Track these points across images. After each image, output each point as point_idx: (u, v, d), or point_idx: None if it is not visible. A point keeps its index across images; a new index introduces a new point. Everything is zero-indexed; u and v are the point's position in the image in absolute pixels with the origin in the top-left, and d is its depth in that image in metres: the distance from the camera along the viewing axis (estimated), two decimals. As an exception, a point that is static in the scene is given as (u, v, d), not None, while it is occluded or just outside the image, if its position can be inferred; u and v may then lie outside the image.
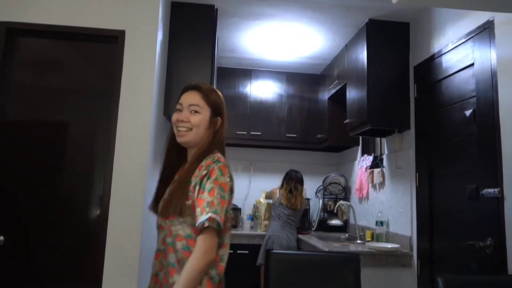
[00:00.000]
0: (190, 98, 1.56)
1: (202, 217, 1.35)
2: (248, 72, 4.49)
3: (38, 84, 2.46)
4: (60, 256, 2.33)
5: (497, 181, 2.12)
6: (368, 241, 3.43)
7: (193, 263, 1.32)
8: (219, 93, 1.65)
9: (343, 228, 4.25)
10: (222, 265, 1.46)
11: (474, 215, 2.32)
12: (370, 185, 3.76)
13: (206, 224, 1.33)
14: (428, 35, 2.95)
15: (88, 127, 2.46)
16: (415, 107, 3.06)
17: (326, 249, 3.02)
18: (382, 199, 3.50)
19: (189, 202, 1.43)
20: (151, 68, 2.47)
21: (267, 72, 4.53)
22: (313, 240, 3.56)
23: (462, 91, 2.51)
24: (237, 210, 4.29)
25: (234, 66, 4.46)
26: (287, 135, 4.42)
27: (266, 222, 4.10)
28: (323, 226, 4.29)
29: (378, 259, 2.94)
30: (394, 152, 3.34)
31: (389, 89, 3.14)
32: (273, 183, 4.34)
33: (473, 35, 2.42)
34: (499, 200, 2.10)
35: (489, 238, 2.16)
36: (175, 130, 1.56)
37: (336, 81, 3.88)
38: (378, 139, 3.76)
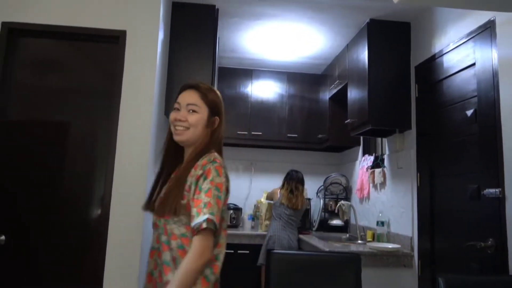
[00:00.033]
0: (188, 97, 1.56)
1: (199, 218, 1.35)
2: (249, 72, 4.49)
3: (39, 84, 2.47)
4: (61, 256, 2.33)
5: (499, 181, 2.12)
6: (369, 241, 3.43)
7: (188, 263, 1.32)
8: (218, 92, 1.65)
9: (344, 228, 4.25)
10: (217, 264, 1.46)
11: (475, 215, 2.32)
12: (371, 185, 3.75)
13: (204, 226, 1.33)
14: (429, 35, 2.95)
15: (89, 127, 2.47)
16: (416, 107, 3.05)
17: (327, 249, 3.02)
18: (383, 199, 3.50)
19: (184, 202, 1.43)
20: (152, 68, 2.47)
21: (268, 72, 4.53)
22: (314, 240, 3.55)
23: (463, 91, 2.51)
24: (238, 210, 4.29)
25: (235, 66, 4.46)
26: (288, 135, 4.42)
27: (267, 222, 4.10)
28: (324, 226, 4.29)
29: (379, 259, 2.94)
30: (395, 152, 3.33)
31: (390, 89, 3.14)
32: (274, 183, 4.34)
33: (474, 35, 2.42)
34: (501, 200, 2.10)
35: (490, 239, 2.15)
36: (172, 128, 1.56)
37: (337, 81, 3.88)
38: (379, 139, 3.75)
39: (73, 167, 2.43)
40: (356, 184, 4.11)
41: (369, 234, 3.52)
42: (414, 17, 3.13)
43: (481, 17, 2.36)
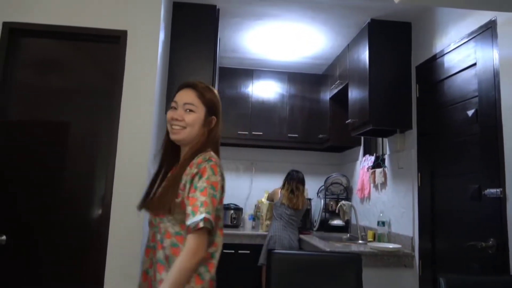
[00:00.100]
0: (186, 97, 1.56)
1: (196, 217, 1.35)
2: (249, 72, 4.49)
3: (40, 84, 2.47)
4: (62, 255, 2.33)
5: (500, 181, 2.12)
6: (369, 241, 3.42)
7: (182, 261, 1.33)
8: (215, 91, 1.65)
9: (345, 228, 4.25)
10: (213, 262, 1.46)
11: (476, 216, 2.32)
12: (371, 185, 3.75)
13: (201, 225, 1.34)
14: (430, 35, 2.95)
15: (90, 127, 2.47)
16: (417, 107, 3.05)
17: (328, 249, 3.02)
18: (384, 199, 3.49)
19: (178, 200, 1.43)
20: (153, 68, 2.47)
21: (269, 72, 4.52)
22: (314, 240, 3.55)
23: (464, 91, 2.51)
24: (238, 210, 4.29)
25: (236, 66, 4.46)
26: (289, 135, 4.42)
27: (268, 222, 4.10)
28: (324, 226, 4.29)
29: (380, 259, 2.94)
30: (396, 152, 3.33)
31: (391, 89, 3.14)
32: (274, 183, 4.34)
33: (475, 35, 2.42)
34: (502, 201, 2.10)
35: (491, 239, 2.15)
36: (169, 127, 1.57)
37: (338, 81, 3.88)
38: (380, 139, 3.75)
39: (74, 167, 2.43)
40: (356, 184, 4.11)
41: (369, 234, 3.52)
42: (415, 17, 3.13)
43: (482, 17, 2.36)
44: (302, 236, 3.83)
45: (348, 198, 4.34)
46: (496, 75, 2.21)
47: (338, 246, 3.20)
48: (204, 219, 1.34)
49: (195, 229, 1.34)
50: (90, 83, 2.50)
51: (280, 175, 4.17)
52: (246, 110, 4.42)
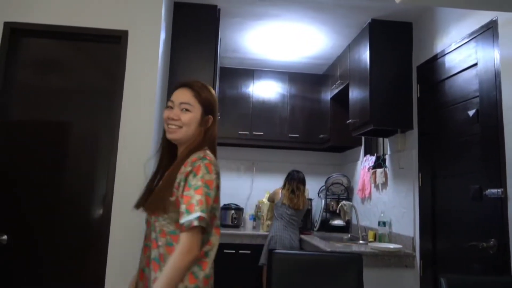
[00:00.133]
0: (182, 96, 1.56)
1: (190, 216, 1.35)
2: (250, 72, 4.49)
3: (41, 84, 2.47)
4: (63, 255, 2.33)
5: (501, 181, 2.12)
6: (370, 241, 3.42)
7: (176, 260, 1.33)
8: (212, 91, 1.65)
9: (346, 228, 4.25)
10: (207, 261, 1.46)
11: (477, 216, 2.32)
12: (372, 185, 3.75)
13: (196, 224, 1.34)
14: (431, 35, 2.95)
15: (91, 127, 2.47)
16: (418, 107, 3.05)
17: (329, 249, 3.02)
18: (385, 200, 3.49)
19: (173, 199, 1.44)
20: (154, 68, 2.47)
21: (270, 72, 4.52)
22: (315, 240, 3.55)
23: (465, 91, 2.51)
24: (239, 210, 4.29)
25: (237, 66, 4.46)
26: (290, 135, 4.42)
27: (269, 222, 4.10)
28: (325, 226, 4.28)
29: (381, 259, 2.94)
30: (397, 152, 3.33)
31: (392, 89, 3.13)
32: (275, 183, 4.34)
33: (476, 35, 2.42)
34: (503, 201, 2.10)
35: (492, 239, 2.15)
36: (165, 126, 1.58)
37: (339, 81, 3.88)
38: (380, 139, 3.75)
39: (75, 167, 2.43)
40: (357, 184, 4.11)
41: (370, 234, 3.52)
42: (416, 17, 3.13)
43: (483, 17, 2.35)
44: (303, 236, 3.83)
45: (349, 198, 4.34)
46: (497, 75, 2.21)
47: (338, 246, 3.20)
48: (199, 218, 1.35)
49: (189, 227, 1.35)
50: (91, 83, 2.50)
51: (281, 175, 4.17)
52: (247, 110, 4.42)
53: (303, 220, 4.09)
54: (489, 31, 2.30)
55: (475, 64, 2.41)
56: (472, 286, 1.82)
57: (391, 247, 3.00)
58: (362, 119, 3.27)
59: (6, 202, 2.31)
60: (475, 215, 2.34)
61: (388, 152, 3.53)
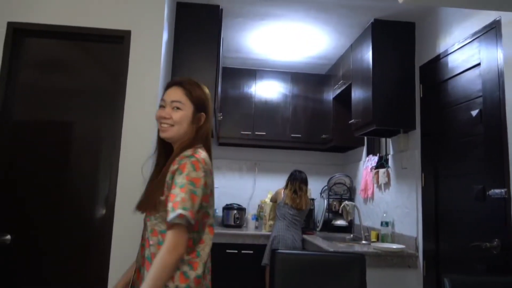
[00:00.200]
0: (173, 94, 1.57)
1: (172, 213, 1.36)
2: (253, 72, 4.49)
3: (44, 84, 2.47)
4: (66, 255, 2.34)
5: (504, 181, 2.11)
6: (373, 241, 3.42)
7: (161, 258, 1.34)
8: (204, 88, 1.65)
9: (348, 228, 4.24)
10: (197, 261, 1.46)
11: (481, 216, 2.31)
12: (375, 185, 3.75)
13: (176, 221, 1.35)
14: (434, 35, 2.94)
15: (93, 127, 2.47)
16: (421, 107, 3.04)
17: (331, 250, 3.01)
18: (387, 200, 3.49)
19: (163, 198, 1.45)
20: (157, 68, 2.48)
21: (272, 72, 4.52)
22: (318, 240, 3.55)
23: (468, 91, 2.50)
24: (241, 210, 4.30)
25: (239, 66, 4.46)
26: (292, 135, 4.42)
27: (271, 222, 4.10)
28: (328, 226, 4.28)
29: (383, 259, 2.93)
30: (400, 153, 3.33)
31: (395, 89, 3.13)
32: (277, 183, 4.34)
33: (479, 34, 2.41)
34: (506, 201, 2.09)
35: (496, 239, 2.14)
36: (158, 126, 1.58)
37: (341, 81, 3.88)
38: (383, 139, 3.74)
39: (77, 167, 2.43)
40: (360, 184, 4.11)
41: (373, 235, 3.52)
42: (419, 17, 3.12)
43: (486, 17, 2.35)
44: (305, 236, 3.83)
45: (351, 198, 4.33)
46: (500, 75, 2.20)
47: (341, 247, 3.20)
48: (179, 216, 1.35)
49: (172, 225, 1.36)
50: (93, 83, 2.50)
51: (283, 175, 4.17)
52: (249, 110, 4.42)
53: (306, 220, 4.09)
54: (492, 31, 2.29)
55: (478, 64, 2.41)
56: (476, 286, 1.82)
57: (394, 247, 3.00)
58: (364, 119, 3.26)
59: (9, 202, 2.31)
60: (478, 215, 2.33)
61: (391, 152, 3.52)
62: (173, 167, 1.46)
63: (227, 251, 3.82)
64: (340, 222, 4.27)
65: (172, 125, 1.54)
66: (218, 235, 3.84)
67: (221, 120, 4.18)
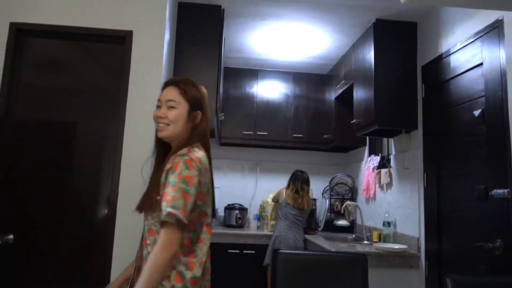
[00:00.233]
0: (168, 94, 1.59)
1: (164, 212, 1.37)
2: (254, 72, 4.49)
3: (46, 84, 2.48)
4: (68, 255, 2.34)
5: (507, 181, 2.10)
6: (375, 241, 3.41)
7: (153, 257, 1.34)
8: (201, 87, 1.66)
9: (350, 228, 4.24)
10: (194, 261, 1.46)
11: (483, 216, 2.30)
12: (377, 185, 3.74)
13: (166, 220, 1.36)
14: (436, 35, 2.93)
15: (95, 127, 2.48)
16: (423, 107, 3.04)
17: (333, 250, 3.01)
18: (390, 200, 3.48)
19: (159, 197, 1.45)
20: (158, 68, 2.48)
21: (274, 72, 4.52)
22: (319, 240, 3.55)
23: (471, 91, 2.49)
24: (243, 210, 4.30)
25: (241, 66, 4.46)
26: (294, 135, 4.42)
27: (273, 222, 4.10)
28: (329, 226, 4.28)
29: (385, 260, 2.93)
30: (402, 153, 3.32)
31: (397, 89, 3.12)
32: (279, 183, 4.34)
33: (481, 34, 2.41)
34: (509, 201, 2.09)
35: (498, 240, 2.14)
36: (156, 126, 1.60)
37: (343, 81, 3.87)
38: (385, 139, 3.74)
39: (80, 166, 2.44)
40: (362, 184, 4.10)
41: (375, 235, 3.51)
42: (421, 16, 3.12)
43: (488, 17, 2.34)
44: (307, 236, 3.83)
45: (353, 198, 4.33)
46: (503, 74, 2.19)
47: (343, 247, 3.20)
48: (168, 214, 1.36)
49: (164, 224, 1.37)
50: (96, 83, 2.51)
51: (284, 175, 4.17)
52: (250, 110, 4.42)
53: (308, 220, 4.08)
54: (494, 30, 2.29)
55: (481, 64, 2.40)
56: (478, 287, 1.81)
57: (396, 247, 2.99)
58: (366, 119, 3.26)
59: (12, 202, 2.32)
60: (480, 215, 2.33)
61: (393, 152, 3.52)
62: (167, 166, 1.47)
63: (229, 251, 3.82)
64: (342, 222, 4.26)
65: (168, 124, 1.55)
66: (219, 235, 3.85)
67: (223, 120, 4.19)
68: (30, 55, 2.47)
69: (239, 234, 3.95)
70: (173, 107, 1.56)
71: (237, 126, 4.35)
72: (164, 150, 1.62)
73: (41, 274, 2.31)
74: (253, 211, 4.48)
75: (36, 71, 2.48)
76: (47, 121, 2.46)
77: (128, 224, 2.31)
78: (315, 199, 4.40)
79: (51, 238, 2.35)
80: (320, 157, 4.82)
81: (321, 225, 4.36)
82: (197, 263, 1.46)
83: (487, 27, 2.36)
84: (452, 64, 2.70)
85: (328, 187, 4.50)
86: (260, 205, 4.51)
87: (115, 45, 2.50)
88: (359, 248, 3.18)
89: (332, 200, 4.35)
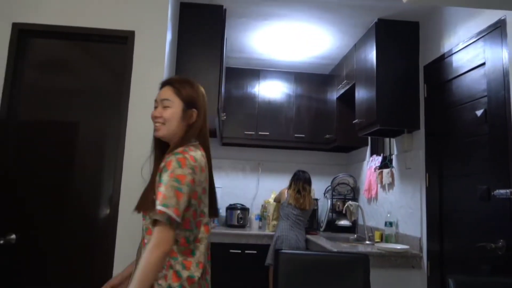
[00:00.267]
0: (163, 93, 1.61)
1: (155, 211, 1.38)
2: (256, 72, 4.49)
3: (48, 85, 2.48)
4: (70, 255, 2.34)
5: (510, 181, 2.10)
6: (377, 242, 3.41)
7: (146, 255, 1.34)
8: (197, 86, 1.66)
9: (352, 228, 4.23)
10: (191, 261, 1.47)
11: (485, 216, 2.30)
12: (379, 185, 3.74)
13: (156, 218, 1.36)
14: (438, 35, 2.93)
15: (98, 127, 2.48)
16: (425, 107, 3.03)
17: (335, 250, 3.01)
18: (391, 200, 3.48)
19: (155, 197, 1.45)
20: (160, 68, 2.48)
21: (276, 72, 4.52)
22: (321, 240, 3.54)
23: (473, 91, 2.49)
24: (245, 210, 4.30)
25: (243, 66, 4.46)
26: (295, 135, 4.42)
27: (275, 222, 4.10)
28: (331, 226, 4.27)
29: (387, 260, 2.92)
30: (404, 153, 3.32)
31: (399, 89, 3.12)
32: (281, 183, 4.34)
33: (484, 34, 2.40)
34: (511, 201, 2.08)
35: (501, 240, 2.13)
36: (154, 126, 1.61)
37: (345, 81, 3.87)
38: (387, 139, 3.73)
39: (82, 166, 2.44)
40: (363, 184, 4.10)
41: (377, 235, 3.51)
42: (423, 16, 3.11)
43: (491, 16, 2.34)
44: (309, 237, 3.83)
45: (355, 198, 4.32)
46: (505, 74, 2.19)
47: (345, 247, 3.19)
48: (159, 212, 1.36)
49: (155, 223, 1.37)
50: (98, 83, 2.51)
51: (286, 175, 4.17)
52: (252, 110, 4.42)
53: (309, 220, 4.08)
54: (497, 30, 2.28)
55: (483, 64, 2.40)
56: (481, 287, 1.81)
57: (398, 247, 2.99)
58: (368, 119, 3.25)
59: (14, 202, 2.32)
60: (483, 215, 2.32)
61: (395, 152, 3.51)
62: (161, 165, 1.48)
63: (231, 251, 3.82)
64: (343, 222, 4.26)
65: (163, 124, 1.57)
66: (221, 235, 3.85)
67: (225, 120, 4.19)
68: (33, 56, 2.48)
69: (241, 234, 3.95)
70: (167, 107, 1.57)
71: (239, 126, 4.35)
72: (162, 149, 1.63)
73: (43, 274, 2.31)
74: (254, 211, 4.49)
75: (38, 72, 2.49)
76: (49, 121, 2.46)
77: (130, 224, 2.31)
78: (317, 199, 4.39)
79: (53, 238, 2.35)
80: (322, 157, 4.82)
81: (323, 225, 4.36)
82: (194, 263, 1.47)
83: (489, 26, 2.36)
84: (454, 64, 2.70)
85: (330, 187, 4.49)
86: (262, 205, 4.51)
87: (117, 45, 2.50)
88: (361, 248, 3.18)
89: (334, 200, 4.35)
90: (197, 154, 1.53)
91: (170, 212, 1.36)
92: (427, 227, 2.92)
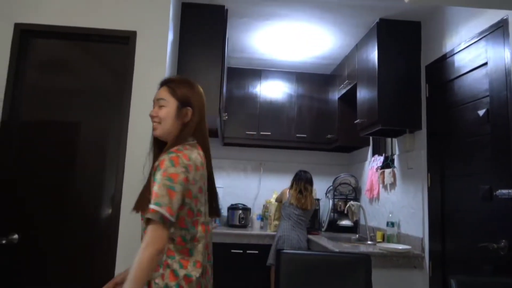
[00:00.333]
0: (159, 93, 1.63)
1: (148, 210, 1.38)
2: (258, 72, 4.49)
3: (50, 85, 2.49)
4: (73, 255, 2.35)
5: None
6: (378, 242, 3.40)
7: (139, 254, 1.35)
8: (195, 85, 1.67)
9: (353, 228, 4.23)
10: (189, 260, 1.47)
11: (488, 216, 2.29)
12: (381, 185, 3.73)
13: (148, 217, 1.36)
14: (440, 34, 2.92)
15: (99, 127, 2.48)
16: (427, 107, 3.03)
17: (337, 250, 3.00)
18: (393, 200, 3.47)
19: (150, 196, 1.46)
20: (162, 69, 2.48)
21: (277, 72, 4.52)
22: (323, 240, 3.54)
23: (475, 91, 2.48)
24: (246, 210, 4.30)
25: (244, 67, 4.46)
26: (297, 135, 4.41)
27: (276, 222, 4.09)
28: (333, 226, 4.27)
29: (389, 260, 2.92)
30: (405, 153, 3.31)
31: (400, 89, 3.12)
32: (282, 183, 4.34)
33: (486, 34, 2.39)
34: (513, 201, 2.08)
35: (503, 240, 2.13)
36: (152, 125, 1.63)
37: (347, 81, 3.87)
38: (389, 139, 3.73)
39: (84, 167, 2.45)
40: (365, 184, 4.09)
41: (379, 235, 3.50)
42: (425, 16, 3.11)
43: (493, 16, 2.33)
44: (310, 237, 3.83)
45: (356, 198, 4.32)
46: (508, 74, 2.18)
47: (346, 247, 3.19)
48: (151, 211, 1.36)
49: (148, 221, 1.37)
50: (99, 84, 2.52)
51: (288, 175, 4.17)
52: (254, 110, 4.42)
53: (311, 220, 4.08)
54: (499, 30, 2.28)
55: (485, 63, 2.39)
56: (483, 287, 1.80)
57: (400, 247, 2.98)
58: (370, 119, 3.25)
59: (16, 202, 2.33)
60: (485, 215, 2.32)
61: (397, 152, 3.51)
62: (155, 164, 1.49)
63: (232, 251, 3.82)
64: (345, 223, 4.26)
65: (159, 123, 1.59)
66: (223, 235, 3.85)
67: (226, 120, 4.19)
68: (35, 56, 2.48)
69: (242, 234, 3.95)
70: (163, 106, 1.59)
71: (240, 126, 4.35)
72: (160, 148, 1.63)
73: (45, 274, 2.32)
74: (256, 211, 4.49)
75: (40, 72, 2.49)
76: (51, 121, 2.47)
77: (132, 224, 2.31)
78: (318, 199, 4.39)
79: (56, 238, 2.36)
80: (323, 157, 4.81)
81: (325, 225, 4.36)
82: (192, 262, 1.47)
83: (491, 26, 2.35)
84: (456, 64, 2.69)
85: (331, 187, 4.49)
86: (263, 205, 4.51)
87: (118, 46, 2.51)
88: (362, 248, 3.17)
89: (335, 200, 4.35)
90: (193, 152, 1.53)
91: (163, 210, 1.37)
92: (429, 227, 2.91)
